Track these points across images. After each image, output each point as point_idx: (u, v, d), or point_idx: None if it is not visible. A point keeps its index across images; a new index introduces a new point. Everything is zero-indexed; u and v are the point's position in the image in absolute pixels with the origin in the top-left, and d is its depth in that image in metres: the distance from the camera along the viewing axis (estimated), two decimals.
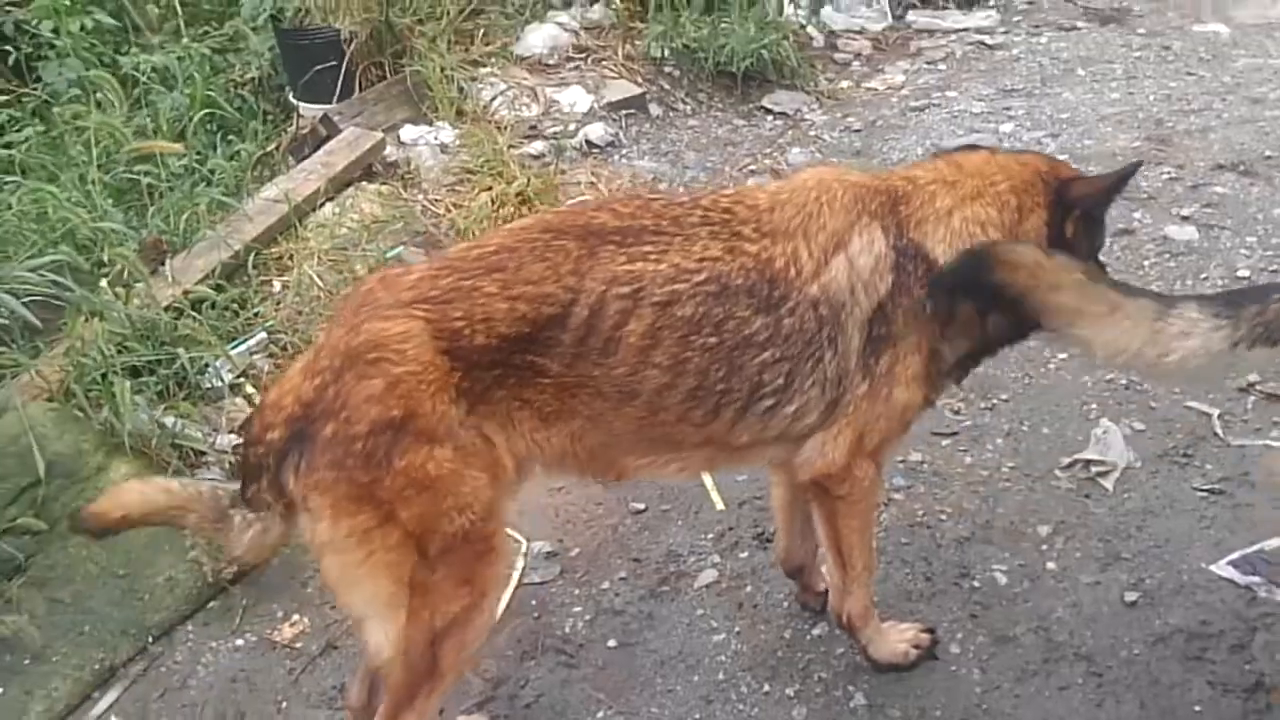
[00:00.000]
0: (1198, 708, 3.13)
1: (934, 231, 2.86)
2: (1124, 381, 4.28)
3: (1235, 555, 3.55)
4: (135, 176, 5.40)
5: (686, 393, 2.79)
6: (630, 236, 2.78)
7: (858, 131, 6.84)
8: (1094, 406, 4.22)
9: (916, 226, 2.87)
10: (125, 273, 4.79)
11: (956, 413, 4.28)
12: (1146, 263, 4.85)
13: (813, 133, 6.93)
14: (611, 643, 3.59)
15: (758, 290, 2.78)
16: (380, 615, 2.70)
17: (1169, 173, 5.41)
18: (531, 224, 2.88)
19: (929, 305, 2.83)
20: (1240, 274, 4.70)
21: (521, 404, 2.74)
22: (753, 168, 6.53)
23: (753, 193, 2.95)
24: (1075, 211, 2.95)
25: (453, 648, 2.74)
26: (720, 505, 4.04)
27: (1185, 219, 5.07)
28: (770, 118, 7.16)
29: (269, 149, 6.37)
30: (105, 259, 4.85)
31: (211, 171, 5.67)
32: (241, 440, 2.89)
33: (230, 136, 6.24)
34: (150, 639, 3.78)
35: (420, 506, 2.60)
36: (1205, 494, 3.77)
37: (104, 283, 4.71)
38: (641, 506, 4.08)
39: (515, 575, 3.84)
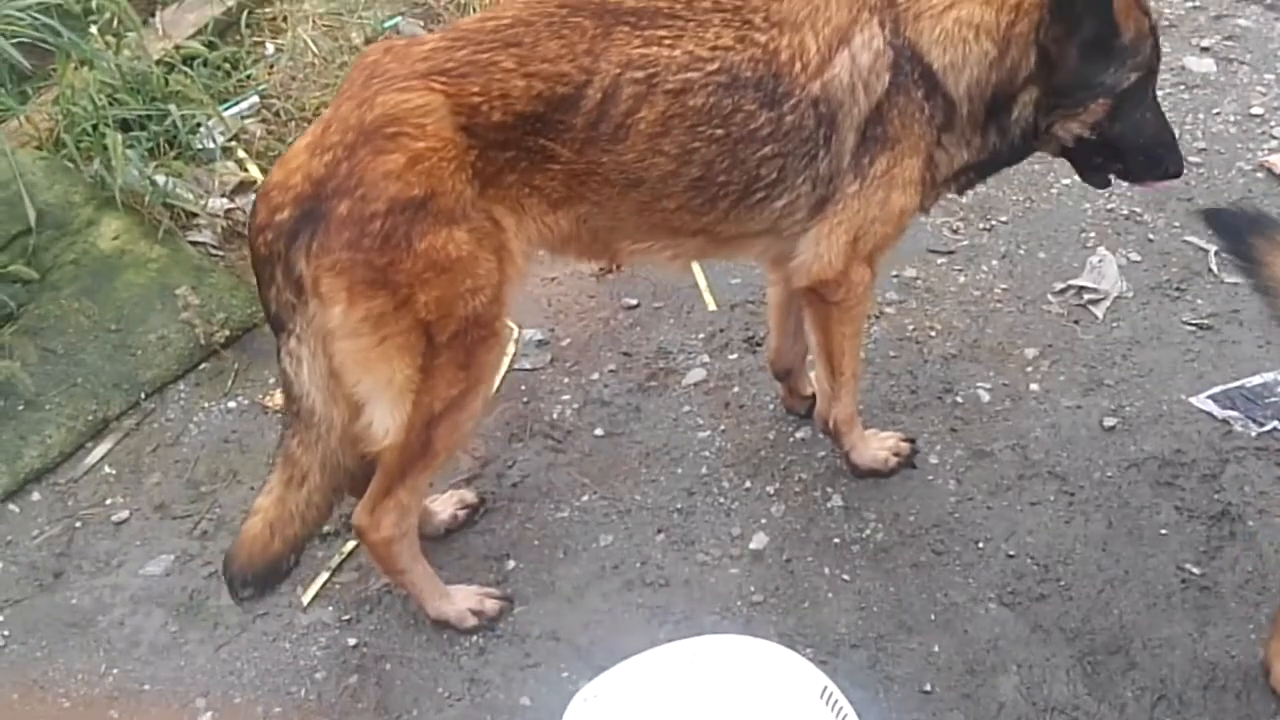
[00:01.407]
0: (1164, 530, 3.26)
1: (929, 30, 2.76)
2: (1125, 211, 4.27)
3: (1216, 389, 3.62)
4: None
5: (689, 182, 2.78)
6: (645, 18, 2.70)
7: None
8: (1092, 234, 4.23)
9: (913, 23, 2.77)
10: (115, 21, 4.62)
11: (955, 231, 4.27)
12: (1161, 92, 4.68)
13: None
14: (598, 431, 3.65)
15: (764, 84, 2.73)
16: (389, 400, 2.69)
17: (1193, 1, 5.28)
18: None
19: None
20: (1254, 111, 4.63)
21: (531, 190, 2.70)
22: None
23: None
24: (1084, 19, 2.72)
25: (447, 429, 2.78)
26: (712, 306, 4.06)
27: (1205, 50, 4.96)
28: None
29: None
30: (94, 5, 4.67)
31: None
32: (248, 235, 2.79)
33: None
34: (143, 395, 3.82)
35: (439, 289, 2.58)
36: (1193, 328, 3.82)
37: (94, 29, 4.55)
38: (634, 302, 4.09)
39: (506, 360, 3.87)
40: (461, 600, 3.13)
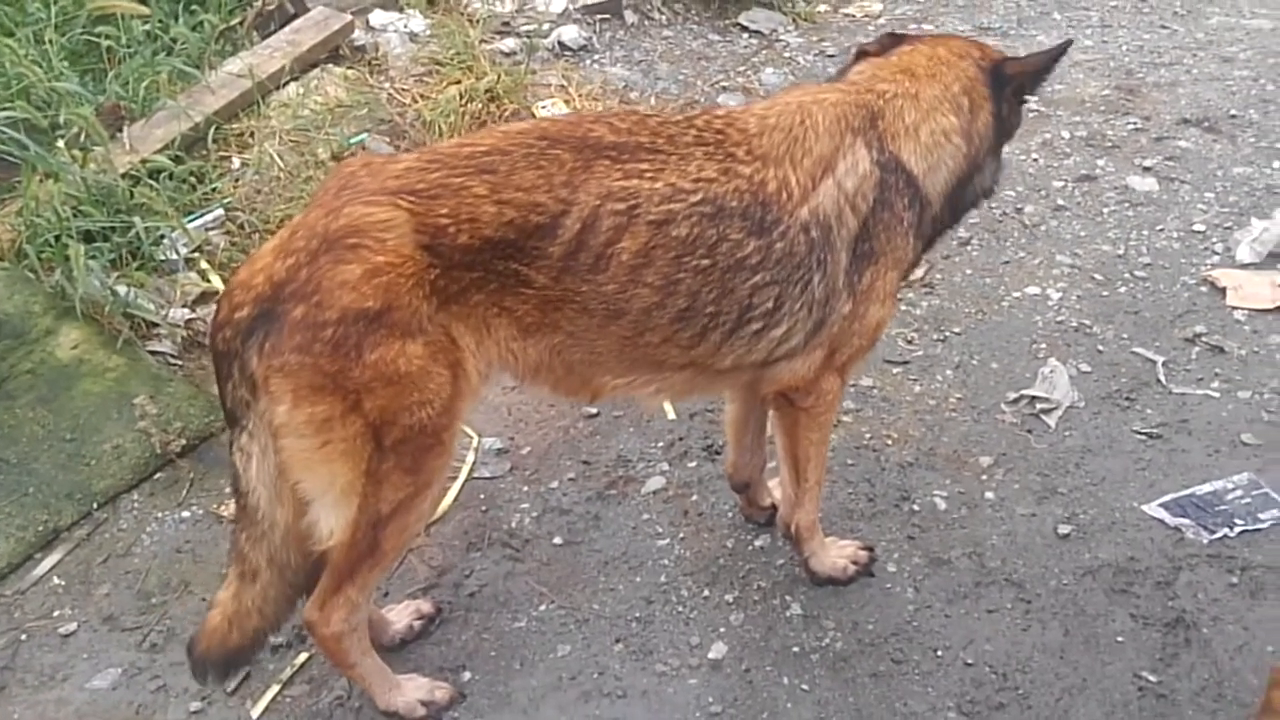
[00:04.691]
0: (1120, 638, 3.26)
1: (907, 145, 2.92)
2: (1075, 324, 4.37)
3: (1167, 497, 3.67)
4: (95, 38, 5.26)
5: (676, 313, 2.79)
6: (626, 152, 2.75)
7: (831, 56, 6.81)
8: (1043, 346, 4.31)
9: (893, 140, 2.91)
10: (83, 135, 4.69)
11: (910, 342, 4.34)
12: (1106, 210, 4.92)
13: (787, 54, 6.89)
14: (557, 540, 3.64)
15: (751, 213, 2.78)
16: (332, 501, 2.72)
17: (1135, 123, 5.46)
18: (527, 129, 2.82)
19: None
20: (1196, 228, 4.78)
21: (500, 312, 2.71)
22: (725, 84, 6.49)
23: (742, 115, 2.93)
24: (1007, 90, 3.07)
25: (395, 530, 2.79)
26: (672, 415, 4.08)
27: (1147, 170, 5.14)
28: (746, 35, 7.11)
29: (234, 23, 6.20)
30: (62, 120, 4.74)
31: (174, 40, 5.52)
32: (209, 331, 2.83)
33: (194, 6, 6.07)
34: (95, 505, 3.78)
35: (385, 399, 2.59)
36: (1143, 437, 3.88)
37: (61, 143, 4.61)
38: (594, 411, 4.11)
39: (465, 469, 3.87)
40: (412, 691, 3.11)
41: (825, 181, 2.83)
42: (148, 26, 5.48)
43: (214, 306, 2.78)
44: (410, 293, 2.55)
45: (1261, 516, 3.57)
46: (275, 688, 3.23)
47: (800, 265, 2.82)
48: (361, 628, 2.99)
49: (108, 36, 5.25)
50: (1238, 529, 3.53)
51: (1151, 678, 3.15)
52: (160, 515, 3.77)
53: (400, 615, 3.34)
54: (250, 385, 2.62)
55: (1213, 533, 3.53)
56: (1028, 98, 3.15)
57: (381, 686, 3.09)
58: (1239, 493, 3.66)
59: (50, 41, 5.08)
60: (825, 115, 2.90)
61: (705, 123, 2.87)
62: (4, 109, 4.58)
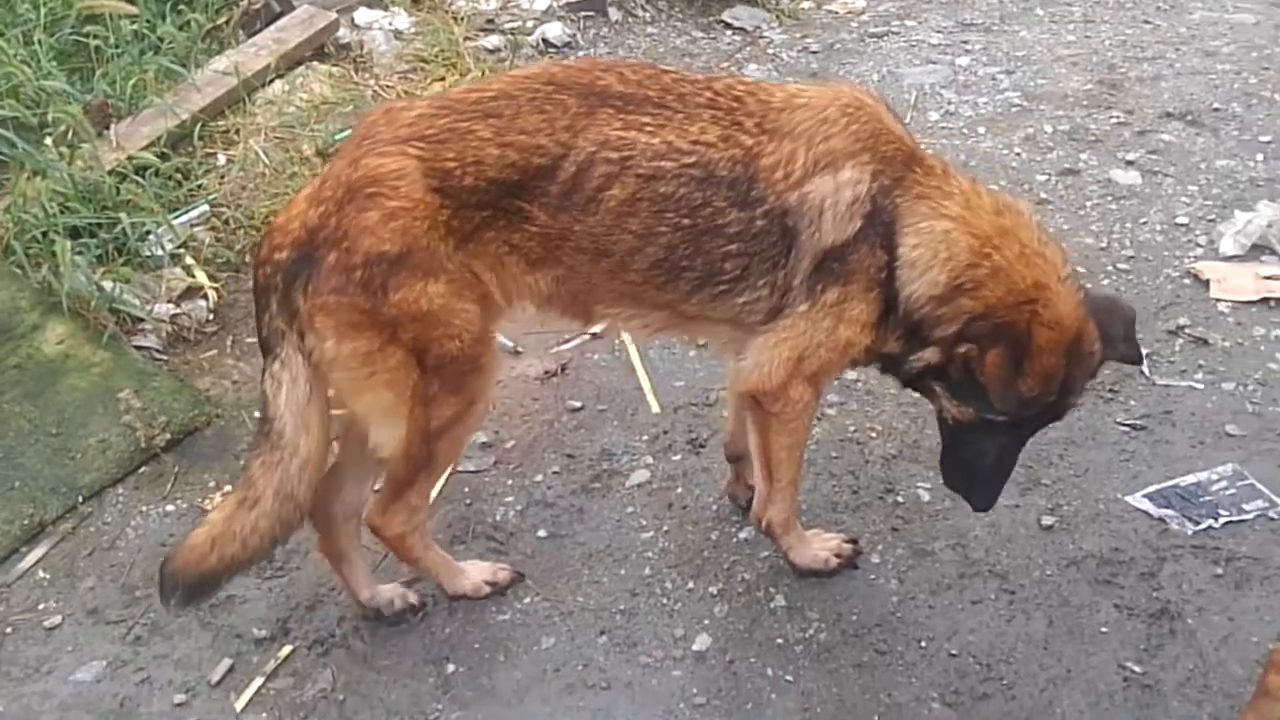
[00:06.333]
0: (1104, 629, 3.27)
1: (914, 219, 2.86)
2: None
3: (1151, 488, 3.68)
4: (83, 38, 5.27)
5: (653, 261, 2.92)
6: (632, 104, 2.87)
7: (815, 53, 6.82)
8: None
9: (906, 197, 2.87)
10: (70, 133, 4.71)
11: None
12: (1089, 203, 4.93)
13: (770, 50, 6.90)
14: (541, 533, 3.64)
15: (739, 185, 2.85)
16: (383, 422, 2.94)
17: (1118, 117, 5.48)
18: (536, 74, 2.98)
19: None
20: (1179, 220, 4.79)
21: (510, 249, 2.89)
22: None
23: (770, 89, 2.98)
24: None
25: (448, 443, 3.05)
26: (656, 408, 4.09)
27: (1130, 164, 5.15)
28: (729, 32, 7.11)
29: (220, 22, 6.20)
30: (50, 118, 4.76)
31: (161, 39, 5.53)
32: (251, 263, 3.09)
33: (181, 6, 6.07)
34: (80, 499, 3.78)
35: (415, 333, 2.82)
36: (1127, 429, 3.89)
37: (49, 141, 4.62)
38: (578, 404, 4.12)
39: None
40: (476, 574, 3.40)
41: (824, 176, 2.85)
42: (135, 26, 5.49)
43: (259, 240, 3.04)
44: (427, 235, 2.76)
45: (1246, 507, 3.58)
46: (259, 680, 3.22)
47: (773, 247, 2.89)
48: (422, 527, 3.25)
49: (96, 36, 5.27)
50: (1222, 520, 3.54)
51: (1136, 668, 3.16)
52: (145, 509, 3.77)
53: (389, 589, 3.39)
54: (289, 317, 2.84)
55: (1197, 524, 3.54)
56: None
57: (448, 574, 3.37)
58: (1223, 484, 3.67)
59: (39, 41, 5.10)
60: (869, 124, 2.90)
61: (724, 88, 2.95)
62: None
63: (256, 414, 3.25)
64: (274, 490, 2.94)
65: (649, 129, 2.84)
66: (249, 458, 3.03)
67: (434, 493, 3.71)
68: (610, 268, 2.94)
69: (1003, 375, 2.83)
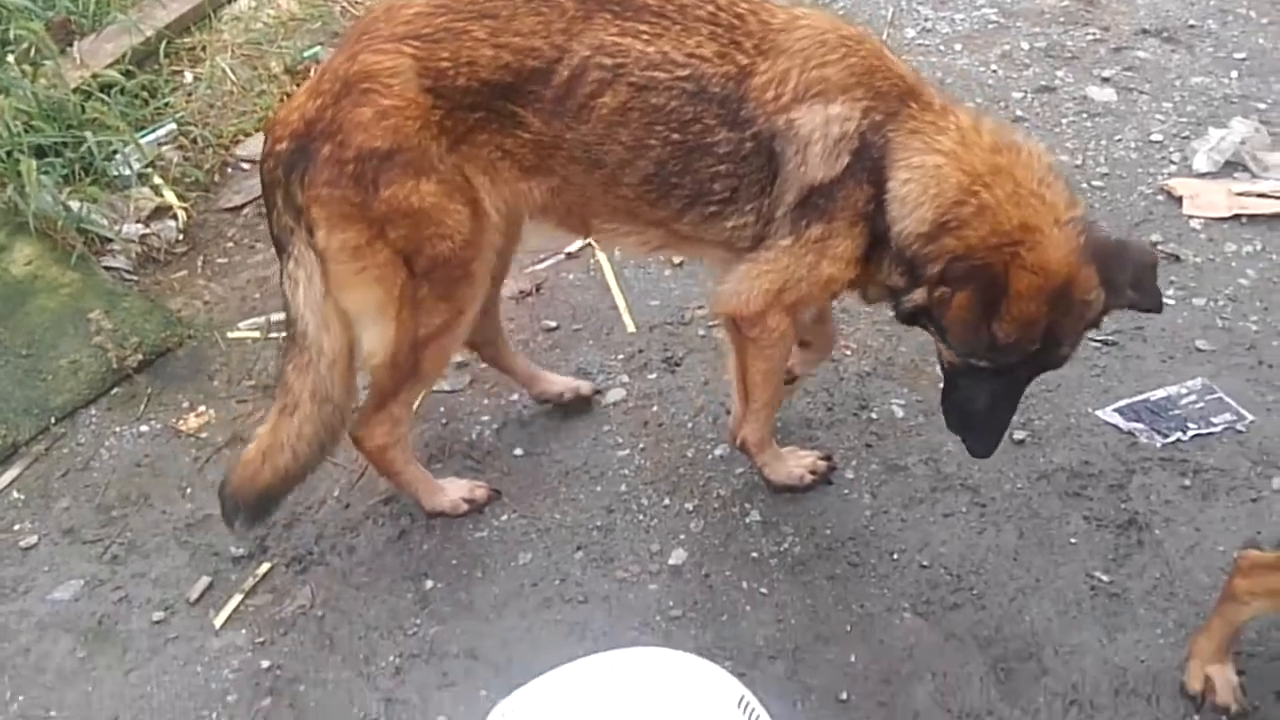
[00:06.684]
0: (1073, 539, 3.32)
1: (906, 154, 2.79)
2: None
3: (1122, 403, 3.71)
4: None
5: (644, 175, 2.90)
6: (630, 10, 2.83)
7: None
8: None
9: (900, 132, 2.80)
10: (33, 50, 4.61)
11: None
12: (1064, 120, 4.91)
13: None
14: (518, 451, 3.66)
15: (730, 103, 2.81)
16: (372, 320, 2.97)
17: (1094, 34, 5.43)
18: None
19: None
20: (1153, 138, 4.77)
21: (504, 154, 2.88)
22: None
23: (775, 10, 2.90)
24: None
25: (433, 352, 3.08)
26: (631, 328, 4.08)
27: (1105, 80, 5.12)
28: None
29: None
30: (12, 35, 4.65)
31: None
32: (258, 163, 3.06)
33: None
34: (53, 420, 3.77)
35: (404, 230, 2.84)
36: (1098, 344, 3.91)
37: (11, 59, 4.52)
38: (554, 324, 4.11)
39: None
40: (454, 491, 3.43)
41: (814, 105, 2.79)
42: None
43: (266, 139, 3.01)
44: (418, 134, 2.77)
45: (1214, 420, 3.62)
46: (238, 597, 3.25)
47: (762, 170, 2.84)
48: (404, 441, 3.29)
49: None
50: (1190, 433, 3.59)
51: (1104, 577, 3.22)
52: (118, 430, 3.76)
53: (561, 381, 3.71)
54: (296, 213, 2.87)
55: (1166, 437, 3.58)
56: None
57: (426, 490, 3.40)
58: (1192, 398, 3.71)
59: None
60: (867, 57, 2.84)
61: (727, 3, 2.87)
62: None
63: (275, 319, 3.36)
64: (310, 393, 3.02)
65: (645, 37, 2.79)
66: (281, 363, 3.09)
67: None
68: (603, 180, 2.92)
69: (966, 319, 2.73)
